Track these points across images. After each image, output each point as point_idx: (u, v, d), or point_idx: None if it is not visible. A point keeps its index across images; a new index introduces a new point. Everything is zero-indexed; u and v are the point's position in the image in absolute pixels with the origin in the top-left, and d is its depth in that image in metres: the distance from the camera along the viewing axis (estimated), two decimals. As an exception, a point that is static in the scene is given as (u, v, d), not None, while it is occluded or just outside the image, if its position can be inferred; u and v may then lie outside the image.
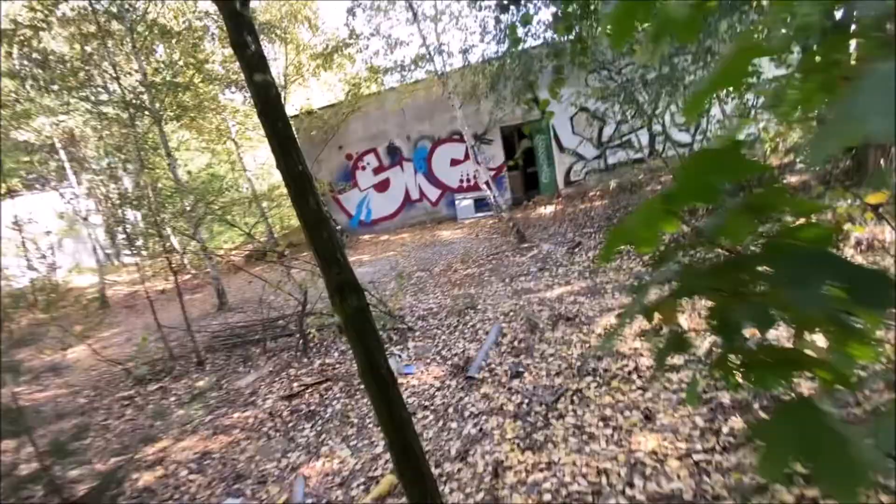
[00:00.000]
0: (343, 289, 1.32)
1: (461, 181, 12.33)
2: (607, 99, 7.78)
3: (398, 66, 9.77)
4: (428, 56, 8.69)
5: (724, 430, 2.30)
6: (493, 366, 3.66)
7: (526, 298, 5.03)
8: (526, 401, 3.09)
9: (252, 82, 1.28)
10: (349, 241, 11.63)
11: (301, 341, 4.54)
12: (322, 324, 4.45)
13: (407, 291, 6.22)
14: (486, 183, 10.99)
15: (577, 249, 6.61)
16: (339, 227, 11.86)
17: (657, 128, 11.56)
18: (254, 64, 1.27)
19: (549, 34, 8.20)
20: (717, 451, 2.18)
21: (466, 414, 3.10)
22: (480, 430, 2.89)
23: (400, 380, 3.78)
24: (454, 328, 4.62)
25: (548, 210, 11.02)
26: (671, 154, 11.65)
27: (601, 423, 2.64)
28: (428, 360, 4.03)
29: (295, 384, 4.01)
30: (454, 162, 12.23)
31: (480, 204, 12.19)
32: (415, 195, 12.46)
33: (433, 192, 12.42)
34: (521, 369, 3.50)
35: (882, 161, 4.96)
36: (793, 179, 6.09)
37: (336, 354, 4.47)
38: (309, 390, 3.83)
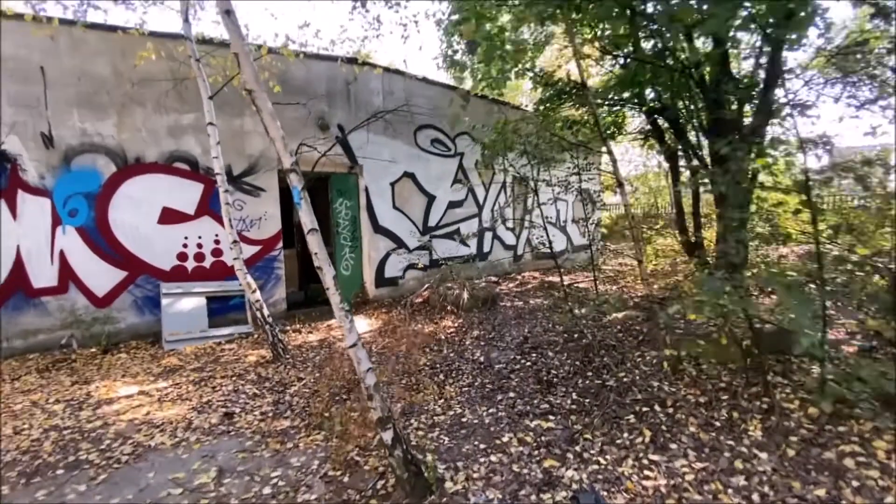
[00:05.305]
0: None
1: (184, 256, 5.91)
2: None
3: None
4: None
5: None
6: None
7: None
8: None
9: None
10: None
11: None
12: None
13: None
14: (242, 266, 5.26)
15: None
16: None
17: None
18: None
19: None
20: None
21: None
22: None
23: None
24: None
25: (364, 326, 6.18)
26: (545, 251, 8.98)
27: None
28: None
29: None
30: (172, 216, 5.81)
31: (224, 307, 6.03)
32: (40, 279, 5.05)
33: (104, 275, 5.38)
34: None
35: None
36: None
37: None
38: None
